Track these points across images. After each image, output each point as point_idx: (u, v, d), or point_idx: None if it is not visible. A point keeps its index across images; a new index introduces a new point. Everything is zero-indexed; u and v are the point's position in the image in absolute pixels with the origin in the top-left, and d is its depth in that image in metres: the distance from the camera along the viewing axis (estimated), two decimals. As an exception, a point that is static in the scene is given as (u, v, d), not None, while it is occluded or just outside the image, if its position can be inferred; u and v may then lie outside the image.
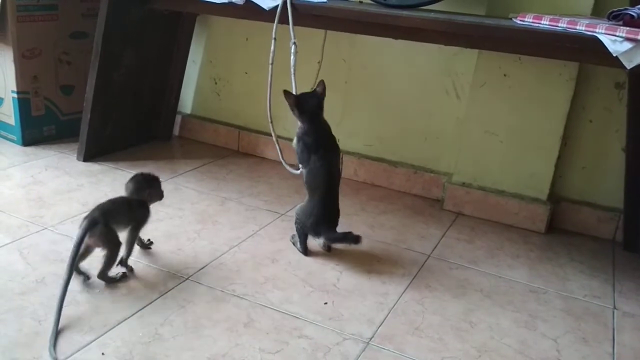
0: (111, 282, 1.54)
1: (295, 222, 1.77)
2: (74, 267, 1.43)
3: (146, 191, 1.62)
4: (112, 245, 1.51)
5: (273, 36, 1.87)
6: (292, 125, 1.99)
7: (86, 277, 1.54)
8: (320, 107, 1.72)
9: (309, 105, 1.70)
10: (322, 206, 1.71)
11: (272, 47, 1.88)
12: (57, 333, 1.30)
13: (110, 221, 1.50)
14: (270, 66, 1.90)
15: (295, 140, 1.75)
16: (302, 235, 1.77)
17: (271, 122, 1.90)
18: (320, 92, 1.71)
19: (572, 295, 1.69)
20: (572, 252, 1.96)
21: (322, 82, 1.71)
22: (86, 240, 1.46)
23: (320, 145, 1.70)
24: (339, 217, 1.77)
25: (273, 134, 1.90)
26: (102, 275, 1.53)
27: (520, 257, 1.89)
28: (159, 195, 1.68)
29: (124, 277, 1.57)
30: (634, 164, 1.89)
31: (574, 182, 2.14)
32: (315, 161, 1.69)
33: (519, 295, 1.66)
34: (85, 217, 1.48)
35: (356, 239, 1.68)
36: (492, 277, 1.75)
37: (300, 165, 1.75)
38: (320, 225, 1.72)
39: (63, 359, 1.24)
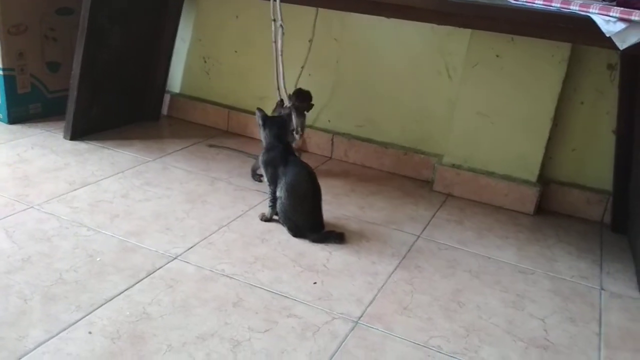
0: None
1: (279, 221, 1.81)
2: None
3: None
4: None
5: (272, 17, 1.85)
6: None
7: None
8: (285, 126, 1.84)
9: (275, 122, 1.82)
10: (307, 212, 1.75)
11: (273, 28, 1.86)
12: None
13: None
14: (273, 44, 1.90)
15: (262, 167, 1.82)
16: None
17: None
18: (286, 115, 1.87)
19: (560, 276, 1.70)
20: (561, 234, 1.97)
21: (288, 108, 1.87)
22: None
23: (290, 153, 1.79)
24: (322, 218, 1.80)
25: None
26: None
27: (509, 238, 1.90)
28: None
29: None
30: (624, 146, 1.89)
31: (563, 164, 2.14)
32: (293, 173, 1.73)
33: (508, 276, 1.67)
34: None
35: (340, 238, 1.75)
36: (481, 257, 1.76)
37: (270, 187, 1.80)
38: (305, 229, 1.75)
39: (49, 337, 1.23)
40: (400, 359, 1.28)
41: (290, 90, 2.09)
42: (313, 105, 2.14)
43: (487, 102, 2.11)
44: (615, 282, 1.69)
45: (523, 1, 1.56)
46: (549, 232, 1.98)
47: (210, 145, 2.42)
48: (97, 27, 2.23)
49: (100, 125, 2.45)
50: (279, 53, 1.85)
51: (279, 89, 1.94)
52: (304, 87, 2.14)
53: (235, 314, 1.37)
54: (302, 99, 2.11)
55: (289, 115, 1.88)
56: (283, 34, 1.83)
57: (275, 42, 1.88)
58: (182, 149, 2.38)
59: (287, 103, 2.03)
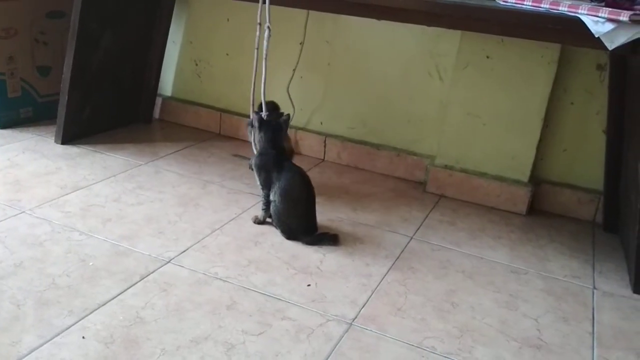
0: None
1: (273, 224, 1.80)
2: None
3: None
4: None
5: (258, 21, 1.84)
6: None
7: None
8: (280, 130, 1.81)
9: (271, 127, 1.81)
10: (301, 215, 1.75)
11: (257, 33, 1.85)
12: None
13: None
14: (255, 50, 1.87)
15: (255, 170, 1.81)
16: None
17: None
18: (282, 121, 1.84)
19: (553, 275, 1.71)
20: (553, 234, 1.98)
21: (287, 115, 1.88)
22: None
23: (284, 159, 1.79)
24: (316, 221, 1.79)
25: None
26: None
27: (501, 239, 1.91)
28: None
29: None
30: (614, 146, 1.90)
31: (555, 164, 2.15)
32: (287, 178, 1.73)
33: (500, 276, 1.67)
34: None
35: (334, 239, 1.75)
36: (473, 258, 1.77)
37: (263, 191, 1.80)
38: (298, 232, 1.75)
39: (42, 342, 1.22)
40: (394, 360, 1.29)
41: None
42: (283, 113, 2.00)
43: (478, 103, 2.12)
44: (607, 281, 1.70)
45: (512, 2, 1.57)
46: (541, 232, 1.99)
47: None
48: (88, 30, 2.23)
49: (92, 129, 2.44)
50: (264, 57, 1.84)
51: (253, 95, 1.92)
52: (297, 89, 2.13)
53: (229, 317, 1.37)
54: (270, 111, 1.95)
55: (286, 121, 1.85)
56: (270, 36, 1.82)
57: (259, 47, 1.86)
58: (174, 152, 2.37)
59: (263, 111, 1.97)
